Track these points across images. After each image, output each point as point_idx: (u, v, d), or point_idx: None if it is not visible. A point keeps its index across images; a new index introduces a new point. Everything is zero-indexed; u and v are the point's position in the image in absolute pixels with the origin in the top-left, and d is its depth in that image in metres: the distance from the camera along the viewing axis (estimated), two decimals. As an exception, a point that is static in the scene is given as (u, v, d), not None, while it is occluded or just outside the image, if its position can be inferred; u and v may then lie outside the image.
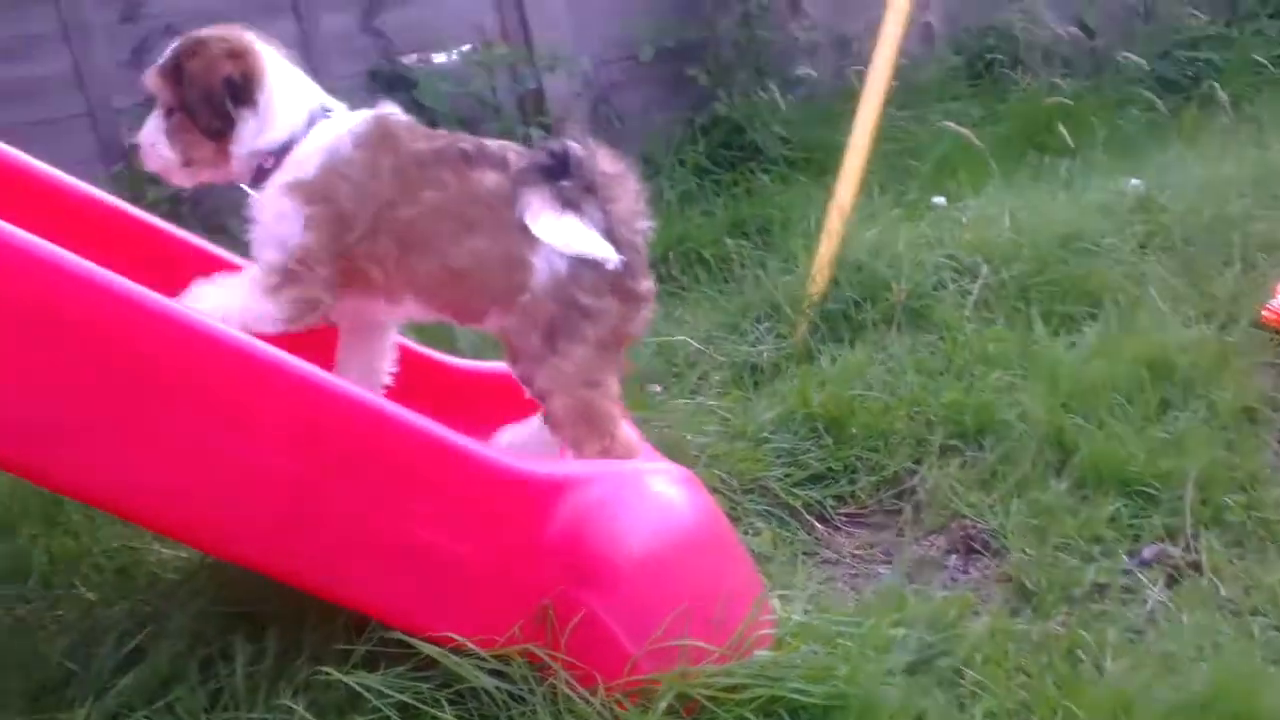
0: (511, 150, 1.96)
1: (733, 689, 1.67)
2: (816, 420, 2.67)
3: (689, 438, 2.60)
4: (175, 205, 4.03)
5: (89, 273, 1.51)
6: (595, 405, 1.95)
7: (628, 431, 2.03)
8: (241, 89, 1.94)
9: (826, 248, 3.22)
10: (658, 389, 2.97)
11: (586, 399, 1.94)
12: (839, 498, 2.56)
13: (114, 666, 1.76)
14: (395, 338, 2.18)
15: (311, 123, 1.97)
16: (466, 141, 1.97)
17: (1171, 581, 2.20)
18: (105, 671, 1.75)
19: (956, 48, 5.93)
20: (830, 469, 2.60)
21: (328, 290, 1.90)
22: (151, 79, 1.98)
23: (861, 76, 5.45)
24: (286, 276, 1.89)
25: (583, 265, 1.89)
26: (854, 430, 2.64)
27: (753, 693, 1.67)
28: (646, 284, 1.98)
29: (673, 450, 2.51)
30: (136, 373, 1.54)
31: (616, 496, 1.81)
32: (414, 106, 4.64)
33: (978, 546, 2.36)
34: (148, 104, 4.25)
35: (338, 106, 2.03)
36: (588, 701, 1.66)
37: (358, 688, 1.65)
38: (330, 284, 1.91)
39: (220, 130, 1.95)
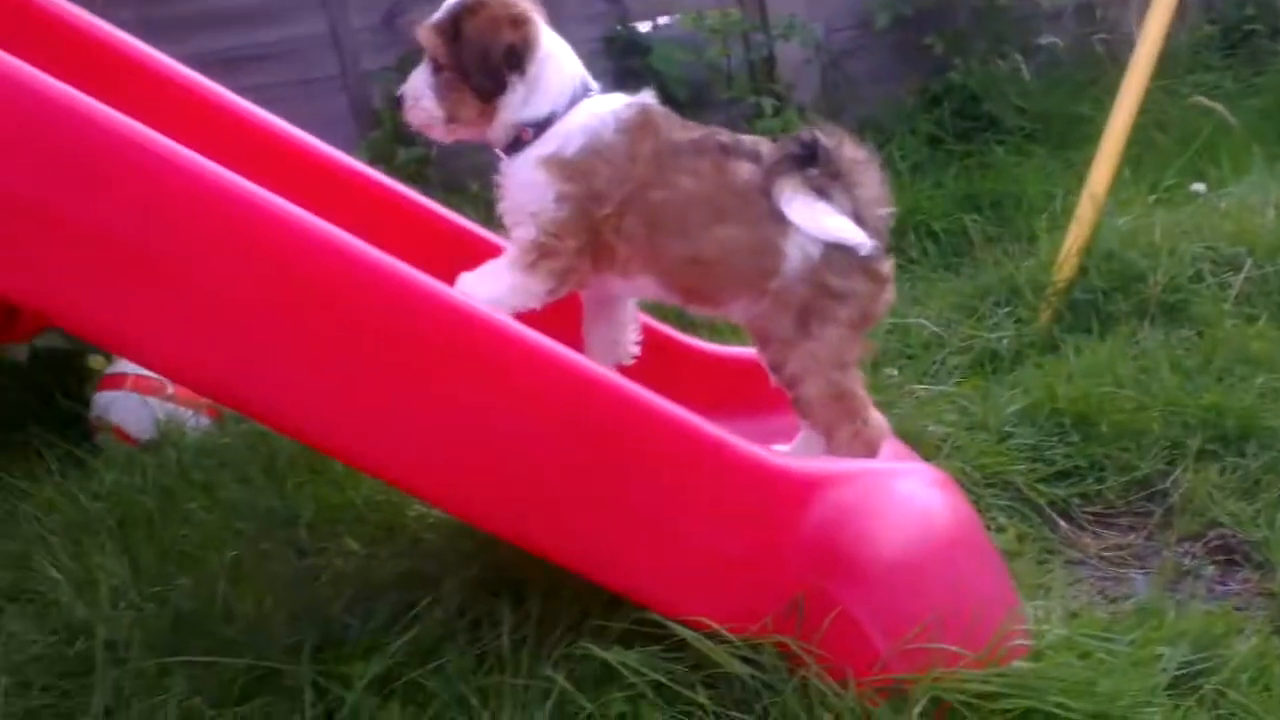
0: (764, 143, 1.99)
1: (988, 696, 1.66)
2: (1063, 415, 2.60)
3: (929, 427, 2.57)
4: (421, 166, 4.19)
5: (389, 265, 1.58)
6: (847, 388, 1.98)
7: (877, 415, 2.03)
8: (519, 57, 1.96)
9: (1076, 235, 3.11)
10: (894, 373, 2.94)
11: (838, 381, 1.97)
12: (1084, 496, 2.49)
13: (387, 624, 1.85)
14: (635, 312, 2.21)
15: (574, 101, 1.99)
16: (723, 135, 1.99)
17: None
18: (379, 629, 1.85)
19: (1211, 16, 5.62)
20: (1076, 466, 2.52)
21: (581, 259, 1.94)
22: (425, 34, 1.98)
23: (1108, 45, 5.28)
24: (541, 251, 1.93)
25: (834, 249, 1.93)
26: (1103, 428, 2.55)
27: (1010, 703, 1.64)
28: (888, 266, 2.01)
29: (912, 439, 2.49)
30: (427, 356, 1.61)
31: (874, 495, 1.80)
32: (647, 71, 4.70)
33: (1238, 558, 2.26)
34: (399, 67, 4.45)
35: (596, 86, 2.05)
36: (839, 696, 1.67)
37: (615, 663, 1.70)
38: (583, 253, 1.95)
39: (491, 93, 1.97)
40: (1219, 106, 4.32)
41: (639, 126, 1.97)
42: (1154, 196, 3.49)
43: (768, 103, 4.66)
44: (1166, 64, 5.20)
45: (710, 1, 4.82)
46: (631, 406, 1.69)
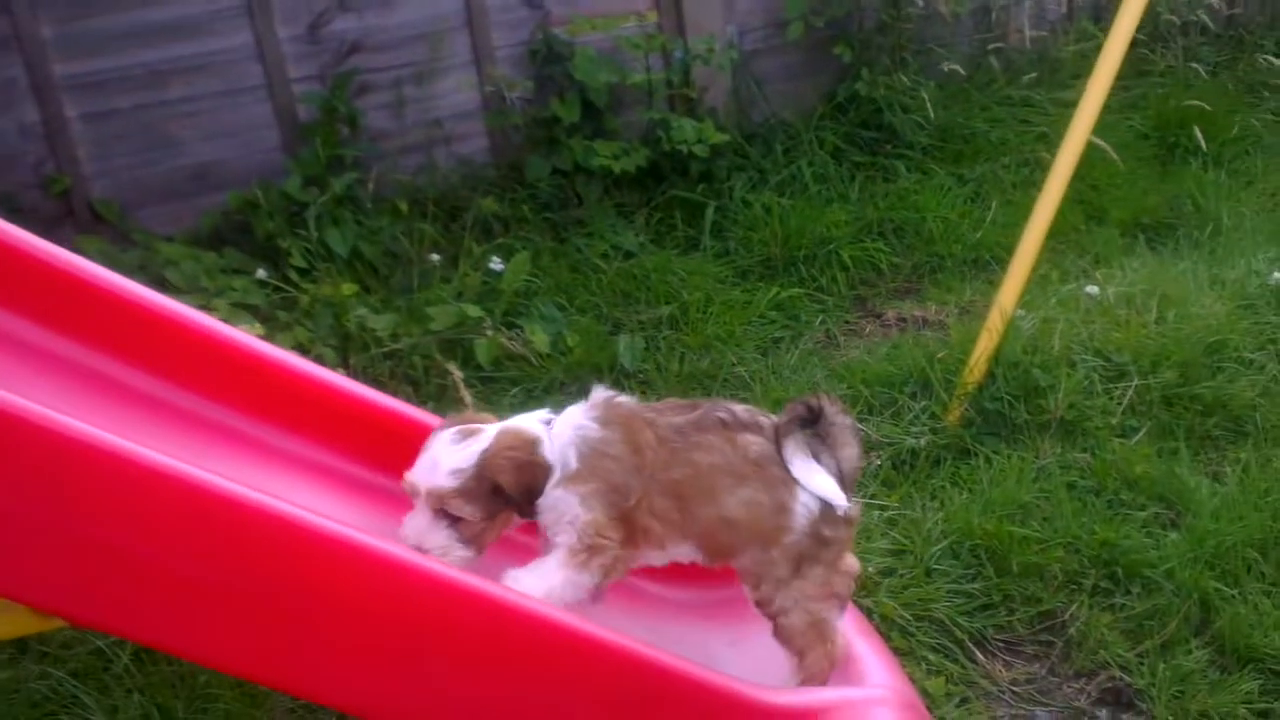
0: (760, 414, 2.25)
1: None
2: (979, 549, 2.97)
3: (868, 567, 2.90)
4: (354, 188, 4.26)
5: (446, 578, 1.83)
6: (825, 617, 2.27)
7: (843, 635, 2.33)
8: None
9: (985, 344, 3.40)
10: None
11: (817, 611, 2.26)
12: (998, 626, 2.87)
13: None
14: None
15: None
16: (720, 410, 2.23)
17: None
18: None
19: (1096, 14, 5.91)
20: (991, 600, 2.90)
21: (624, 547, 2.18)
22: (451, 500, 2.09)
23: (1001, 55, 5.55)
24: (590, 550, 2.14)
25: (827, 505, 2.21)
26: (1014, 564, 2.93)
27: None
28: (858, 510, 2.30)
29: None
30: (489, 657, 1.87)
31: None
32: (567, 80, 4.78)
33: (1125, 700, 2.67)
34: (320, 79, 4.48)
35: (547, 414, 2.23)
36: None
37: None
38: (624, 542, 2.18)
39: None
40: (1104, 144, 4.66)
41: (622, 418, 2.19)
42: (1054, 298, 3.83)
43: (688, 124, 4.78)
44: (1050, 68, 5.56)
45: (627, 6, 4.90)
46: (637, 663, 1.96)
